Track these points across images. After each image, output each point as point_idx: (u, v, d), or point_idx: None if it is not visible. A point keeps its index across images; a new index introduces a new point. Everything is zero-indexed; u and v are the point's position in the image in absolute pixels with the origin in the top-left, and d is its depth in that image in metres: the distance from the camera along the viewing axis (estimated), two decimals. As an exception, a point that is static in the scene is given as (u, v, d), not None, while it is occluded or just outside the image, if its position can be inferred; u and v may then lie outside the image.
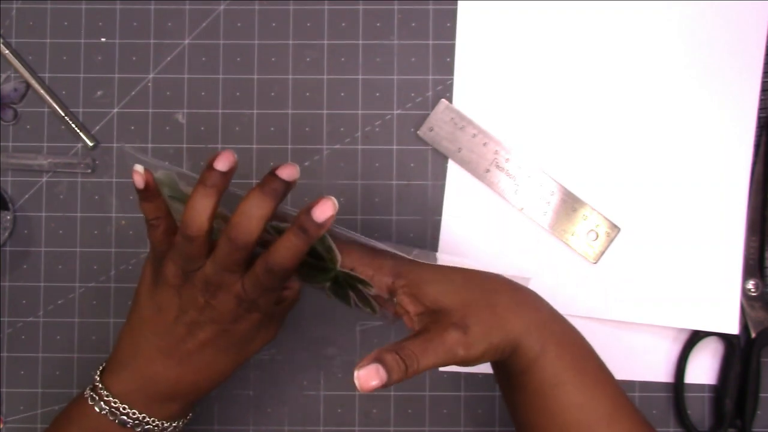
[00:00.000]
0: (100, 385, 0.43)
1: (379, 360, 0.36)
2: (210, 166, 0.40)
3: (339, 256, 0.42)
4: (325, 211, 0.39)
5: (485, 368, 0.53)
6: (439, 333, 0.39)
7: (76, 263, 0.54)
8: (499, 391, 0.47)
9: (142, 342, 0.43)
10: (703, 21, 0.53)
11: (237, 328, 0.43)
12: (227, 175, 0.40)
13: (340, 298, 0.46)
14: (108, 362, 0.45)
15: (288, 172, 0.40)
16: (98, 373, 0.45)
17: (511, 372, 0.42)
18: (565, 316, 0.55)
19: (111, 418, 0.43)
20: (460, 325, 0.39)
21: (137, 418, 0.43)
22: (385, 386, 0.36)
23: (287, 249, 0.40)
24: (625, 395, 0.42)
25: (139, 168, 0.41)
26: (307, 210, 0.39)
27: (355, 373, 0.36)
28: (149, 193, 0.41)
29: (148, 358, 0.43)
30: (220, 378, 0.45)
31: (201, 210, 0.40)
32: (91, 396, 0.43)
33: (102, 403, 0.43)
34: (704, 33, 0.53)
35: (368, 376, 0.35)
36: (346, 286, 0.44)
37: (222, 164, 0.40)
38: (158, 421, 0.44)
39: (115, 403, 0.43)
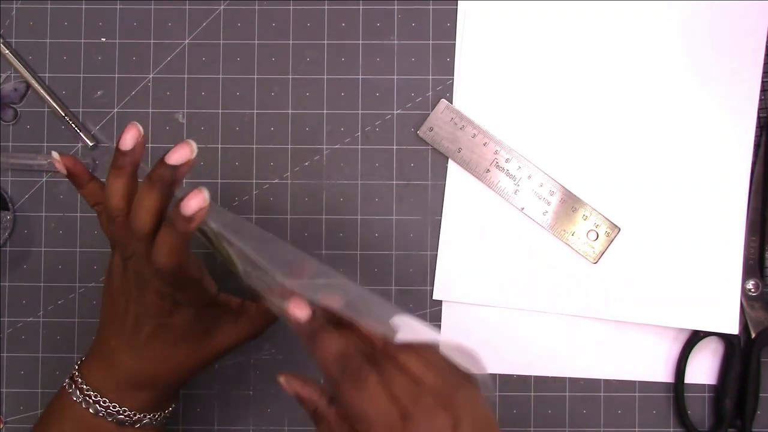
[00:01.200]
0: (77, 373, 0.44)
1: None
2: (117, 149, 0.39)
3: (240, 269, 0.39)
4: (193, 203, 0.37)
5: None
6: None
7: (76, 263, 0.54)
8: None
9: (106, 330, 0.44)
10: (703, 21, 0.53)
11: (174, 323, 0.42)
12: (135, 152, 0.39)
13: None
14: (87, 356, 0.45)
15: (176, 157, 0.38)
16: (77, 366, 0.45)
17: None
18: (566, 317, 0.55)
19: (85, 406, 0.43)
20: None
21: (108, 407, 0.43)
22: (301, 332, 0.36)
23: (162, 245, 0.38)
24: None
25: (54, 155, 0.41)
26: (177, 203, 0.38)
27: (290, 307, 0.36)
28: (77, 178, 0.42)
29: (112, 347, 0.43)
30: (183, 372, 0.44)
31: (114, 190, 0.39)
32: (69, 383, 0.44)
33: (78, 391, 0.43)
34: (704, 33, 0.53)
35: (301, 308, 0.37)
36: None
37: (126, 143, 0.39)
38: (129, 411, 0.43)
39: (87, 390, 0.43)
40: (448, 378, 0.37)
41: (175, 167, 0.38)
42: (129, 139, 0.39)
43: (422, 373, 0.36)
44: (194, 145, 0.38)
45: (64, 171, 0.42)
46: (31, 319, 0.54)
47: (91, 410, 0.43)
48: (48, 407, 0.45)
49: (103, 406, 0.43)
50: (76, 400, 0.43)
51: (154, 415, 0.45)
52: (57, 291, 0.54)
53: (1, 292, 0.54)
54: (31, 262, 0.54)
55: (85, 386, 0.43)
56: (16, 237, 0.54)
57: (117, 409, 0.43)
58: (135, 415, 0.44)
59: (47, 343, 0.54)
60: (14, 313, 0.54)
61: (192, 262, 0.40)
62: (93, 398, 0.43)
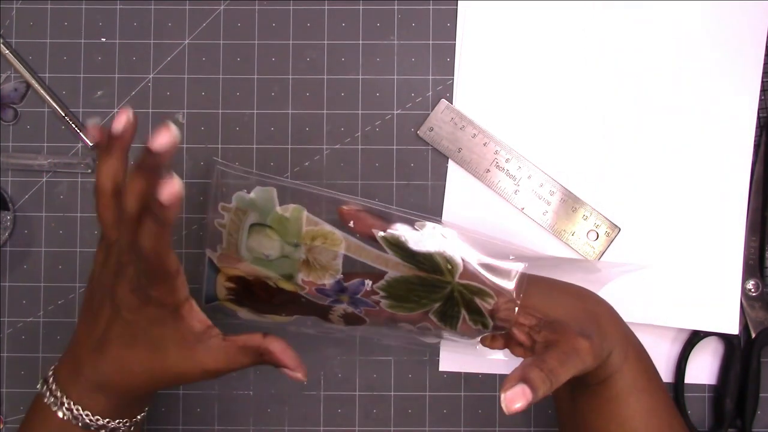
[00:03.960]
0: (50, 373, 0.44)
1: (524, 379, 0.36)
2: (108, 133, 0.41)
3: (460, 265, 0.40)
4: (164, 193, 0.37)
5: (485, 369, 0.53)
6: (570, 344, 0.40)
7: (76, 263, 0.54)
8: (555, 401, 0.47)
9: (80, 325, 0.44)
10: (704, 21, 0.53)
11: (136, 320, 0.42)
12: (125, 134, 0.41)
13: (445, 323, 0.42)
14: (58, 366, 0.44)
15: (159, 142, 0.39)
16: (51, 376, 0.44)
17: (587, 382, 0.43)
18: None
19: (54, 409, 0.42)
20: (584, 335, 0.40)
21: (72, 410, 0.42)
22: (528, 405, 0.36)
23: (146, 237, 0.39)
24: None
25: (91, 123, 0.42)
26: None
27: (502, 396, 0.36)
28: (113, 146, 0.42)
29: (77, 342, 0.43)
30: (134, 378, 0.43)
31: (99, 170, 0.41)
32: (41, 384, 0.43)
33: (48, 392, 0.43)
34: (704, 33, 0.53)
35: (514, 398, 0.36)
36: (460, 303, 0.41)
37: (117, 126, 0.41)
38: (92, 416, 0.42)
39: (54, 389, 0.43)
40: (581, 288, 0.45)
41: (159, 153, 0.39)
42: (120, 123, 0.41)
43: None
44: (174, 128, 0.39)
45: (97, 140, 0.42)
46: (31, 319, 0.54)
47: (59, 413, 0.42)
48: (29, 408, 0.45)
49: (68, 408, 0.42)
50: (46, 402, 0.42)
51: (119, 423, 0.44)
52: (57, 291, 0.54)
53: (1, 292, 0.54)
54: (31, 262, 0.54)
55: (53, 387, 0.43)
56: (16, 237, 0.54)
57: (81, 412, 0.42)
58: (98, 420, 0.43)
59: (47, 343, 0.54)
60: (14, 313, 0.54)
61: (171, 255, 0.40)
62: (57, 396, 0.42)
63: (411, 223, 0.40)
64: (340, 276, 0.42)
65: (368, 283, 0.42)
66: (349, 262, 0.42)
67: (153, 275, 0.40)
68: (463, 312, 0.42)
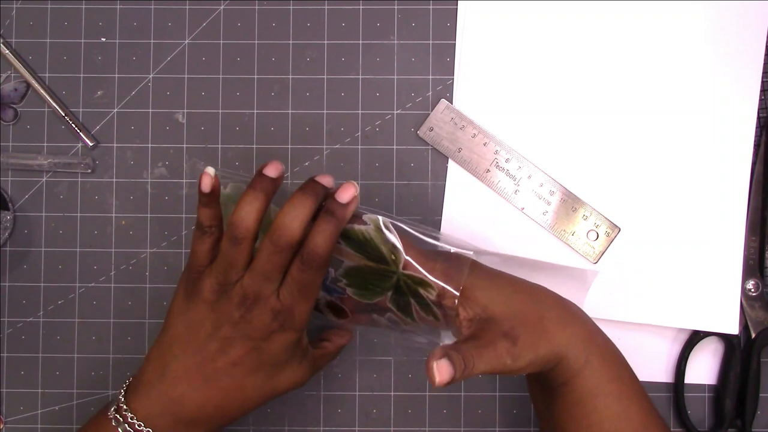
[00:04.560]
0: (125, 407, 0.42)
1: (447, 356, 0.37)
2: (260, 173, 0.42)
3: (403, 255, 0.42)
4: (347, 192, 0.41)
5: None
6: (490, 341, 0.40)
7: (76, 263, 0.54)
8: (532, 402, 0.48)
9: (170, 361, 0.42)
10: (703, 21, 0.53)
11: (269, 347, 0.42)
12: (276, 182, 0.42)
13: (403, 312, 0.44)
14: (133, 381, 0.44)
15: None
16: (122, 392, 0.43)
17: (551, 383, 0.43)
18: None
19: None
20: (509, 335, 0.40)
21: None
22: (450, 383, 0.37)
23: (320, 234, 0.40)
24: (656, 408, 0.44)
25: (210, 171, 0.42)
26: (332, 195, 0.41)
27: (434, 365, 0.37)
28: (212, 198, 0.42)
29: (175, 379, 0.42)
30: (247, 404, 0.44)
31: (249, 211, 0.41)
32: (116, 418, 0.42)
33: (126, 425, 0.42)
34: (704, 33, 0.53)
35: (444, 370, 0.37)
36: (407, 293, 0.43)
37: (272, 171, 0.42)
38: None
39: (139, 426, 0.42)
40: (543, 288, 0.45)
41: (327, 187, 0.42)
42: (275, 169, 0.42)
43: None
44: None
45: (208, 189, 0.42)
46: (31, 319, 0.54)
47: None
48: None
49: None
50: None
51: None
52: (57, 291, 0.54)
53: (1, 292, 0.54)
54: (31, 262, 0.54)
55: (136, 421, 0.42)
56: (16, 237, 0.54)
57: None
58: None
59: (47, 343, 0.54)
60: (14, 313, 0.54)
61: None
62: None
63: (359, 216, 0.43)
64: None
65: (332, 270, 0.44)
66: None
67: (308, 286, 0.41)
68: (413, 301, 0.44)
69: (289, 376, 0.44)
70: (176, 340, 0.43)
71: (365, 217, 0.43)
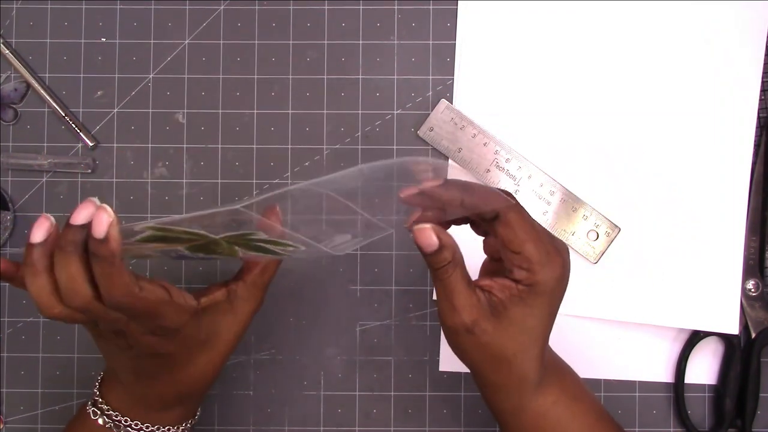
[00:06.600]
0: (100, 399, 0.43)
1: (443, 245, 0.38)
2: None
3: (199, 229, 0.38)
4: (98, 223, 0.34)
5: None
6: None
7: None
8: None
9: (119, 370, 0.43)
10: (704, 21, 0.53)
11: (174, 351, 0.41)
12: (83, 229, 0.35)
13: (261, 251, 0.42)
14: (104, 375, 0.45)
15: (82, 216, 0.35)
16: (96, 386, 0.44)
17: (504, 408, 0.42)
18: (566, 317, 0.55)
19: (116, 430, 0.43)
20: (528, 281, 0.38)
21: (141, 429, 0.43)
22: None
23: (101, 283, 0.36)
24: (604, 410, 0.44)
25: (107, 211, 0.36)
26: (90, 232, 0.35)
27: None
28: (5, 278, 0.38)
29: (130, 382, 0.43)
30: (207, 379, 0.44)
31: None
32: (93, 411, 0.43)
33: (104, 416, 0.43)
34: (704, 33, 0.53)
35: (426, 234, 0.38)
36: (244, 243, 0.40)
37: (77, 219, 0.35)
38: (163, 427, 0.44)
39: (116, 416, 0.43)
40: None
41: (83, 227, 0.35)
42: (40, 231, 0.36)
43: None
44: (97, 201, 0.36)
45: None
46: (31, 319, 0.54)
47: (100, 420, 0.43)
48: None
49: (135, 429, 0.43)
50: (103, 425, 0.42)
51: (186, 425, 0.45)
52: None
53: (1, 292, 0.54)
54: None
55: (113, 412, 0.43)
56: (16, 237, 0.54)
57: (150, 428, 0.43)
58: (169, 429, 0.44)
59: (47, 343, 0.54)
60: (14, 313, 0.54)
61: (148, 287, 0.37)
62: (124, 423, 0.43)
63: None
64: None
65: (180, 248, 0.41)
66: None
67: (150, 314, 0.38)
68: (259, 244, 0.40)
69: (231, 329, 0.43)
70: (109, 358, 0.43)
71: (138, 228, 0.38)
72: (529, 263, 0.38)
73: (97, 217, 0.34)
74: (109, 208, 0.35)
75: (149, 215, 0.54)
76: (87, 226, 0.35)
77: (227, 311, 0.43)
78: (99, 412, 0.43)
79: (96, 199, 0.36)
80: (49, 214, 0.36)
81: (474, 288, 0.39)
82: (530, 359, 0.40)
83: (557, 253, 0.39)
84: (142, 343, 0.39)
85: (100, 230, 0.34)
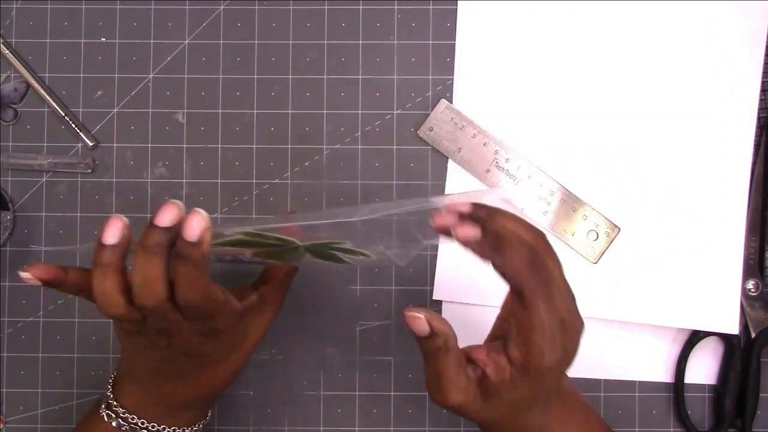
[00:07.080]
0: (115, 403, 0.43)
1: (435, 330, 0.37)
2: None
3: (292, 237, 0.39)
4: (195, 227, 0.35)
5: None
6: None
7: (76, 263, 0.54)
8: None
9: (141, 370, 0.42)
10: (704, 21, 0.53)
11: (210, 351, 0.41)
12: (171, 231, 0.35)
13: (332, 260, 0.43)
14: (117, 376, 0.44)
15: (167, 218, 0.35)
16: (109, 388, 0.44)
17: None
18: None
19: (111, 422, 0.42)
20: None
21: (157, 430, 0.43)
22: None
23: (182, 284, 0.36)
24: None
25: (23, 274, 0.38)
26: (180, 233, 0.35)
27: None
28: (53, 283, 0.39)
29: (152, 382, 0.42)
30: (230, 380, 0.44)
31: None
32: (107, 414, 0.43)
33: (119, 419, 0.42)
34: (704, 33, 0.53)
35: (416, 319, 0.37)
36: (325, 250, 0.41)
37: (165, 220, 0.35)
38: (178, 429, 0.44)
39: (132, 418, 0.42)
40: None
41: (171, 228, 0.35)
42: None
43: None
44: (181, 204, 0.36)
45: (38, 282, 0.39)
46: (31, 319, 0.54)
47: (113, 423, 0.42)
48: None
49: (151, 431, 0.43)
50: (118, 428, 0.42)
51: (199, 425, 0.46)
52: (57, 291, 0.54)
53: (1, 292, 0.54)
54: (31, 262, 0.54)
55: (129, 414, 0.42)
56: (16, 237, 0.54)
57: (166, 430, 0.43)
58: (183, 430, 0.44)
59: (47, 343, 0.54)
60: (14, 313, 0.54)
61: (216, 289, 0.38)
62: (140, 425, 0.42)
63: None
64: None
65: (246, 253, 0.42)
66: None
67: (209, 315, 0.38)
68: (336, 254, 0.41)
69: (256, 331, 0.44)
70: (135, 357, 0.42)
71: (228, 231, 0.38)
72: (528, 349, 0.36)
73: (192, 219, 0.35)
74: (203, 212, 0.35)
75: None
76: (172, 229, 0.35)
77: (256, 313, 0.44)
78: (113, 415, 0.42)
79: (179, 202, 0.36)
80: (121, 215, 0.37)
81: (464, 370, 0.38)
82: (528, 417, 0.39)
83: (562, 348, 0.36)
84: (187, 343, 0.39)
85: (193, 233, 0.35)
